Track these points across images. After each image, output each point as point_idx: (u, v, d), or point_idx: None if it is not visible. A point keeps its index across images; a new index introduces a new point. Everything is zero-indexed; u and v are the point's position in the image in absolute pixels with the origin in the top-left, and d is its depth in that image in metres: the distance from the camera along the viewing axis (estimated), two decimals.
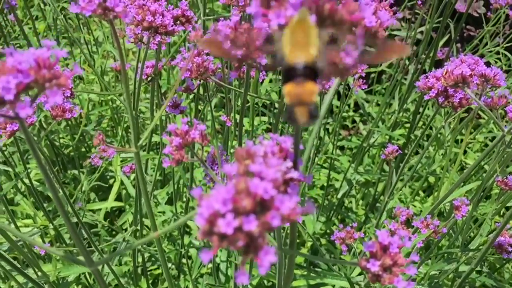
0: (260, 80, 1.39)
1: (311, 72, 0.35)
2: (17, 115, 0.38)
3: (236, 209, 0.29)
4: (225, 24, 0.53)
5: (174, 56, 1.69)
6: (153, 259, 1.84)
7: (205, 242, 1.70)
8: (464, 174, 0.81)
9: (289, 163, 0.40)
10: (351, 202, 2.13)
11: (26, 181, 1.79)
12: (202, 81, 0.89)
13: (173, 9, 0.82)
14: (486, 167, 1.70)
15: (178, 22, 0.83)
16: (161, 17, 0.78)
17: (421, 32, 2.31)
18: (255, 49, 0.53)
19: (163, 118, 1.65)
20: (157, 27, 0.78)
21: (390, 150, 1.15)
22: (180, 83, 1.01)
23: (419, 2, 1.75)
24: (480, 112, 2.00)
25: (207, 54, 0.84)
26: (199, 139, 0.57)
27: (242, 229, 0.29)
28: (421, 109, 1.93)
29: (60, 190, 1.24)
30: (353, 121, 2.63)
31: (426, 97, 0.84)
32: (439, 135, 1.71)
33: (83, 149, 2.32)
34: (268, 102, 2.19)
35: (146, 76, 1.06)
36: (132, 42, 0.81)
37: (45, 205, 1.91)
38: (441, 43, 2.12)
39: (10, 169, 1.76)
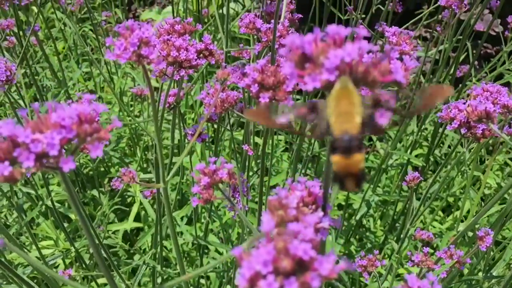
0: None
1: (358, 143, 0.36)
2: (60, 169, 0.39)
3: (276, 269, 0.30)
4: (252, 68, 0.54)
5: (195, 82, 1.71)
6: (170, 277, 1.85)
7: (223, 264, 1.70)
8: (487, 206, 0.81)
9: (321, 213, 0.41)
10: (369, 221, 2.12)
11: (47, 202, 1.82)
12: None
13: (196, 43, 0.84)
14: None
15: (201, 55, 0.85)
16: (185, 52, 0.80)
17: (439, 51, 2.31)
18: (282, 91, 0.54)
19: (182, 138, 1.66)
20: (181, 61, 0.80)
21: (411, 177, 1.15)
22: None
23: (438, 29, 1.76)
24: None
25: (233, 89, 0.85)
26: (227, 178, 0.58)
27: None
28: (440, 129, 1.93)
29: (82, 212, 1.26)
30: (370, 139, 2.62)
31: (449, 128, 0.84)
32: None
33: (102, 169, 2.34)
34: None
35: (168, 104, 1.08)
36: (157, 76, 0.83)
37: (65, 225, 1.93)
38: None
39: (32, 191, 1.80)
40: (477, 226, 1.69)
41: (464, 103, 0.85)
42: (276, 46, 0.80)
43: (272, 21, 0.80)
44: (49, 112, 0.41)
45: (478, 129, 0.81)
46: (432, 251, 1.84)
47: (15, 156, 0.40)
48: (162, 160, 0.68)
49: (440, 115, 0.86)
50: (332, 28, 0.33)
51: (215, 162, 0.59)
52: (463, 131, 0.83)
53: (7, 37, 1.52)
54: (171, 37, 0.81)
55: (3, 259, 1.44)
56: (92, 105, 0.42)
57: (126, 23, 0.52)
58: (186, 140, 1.23)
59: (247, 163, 1.46)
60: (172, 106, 1.10)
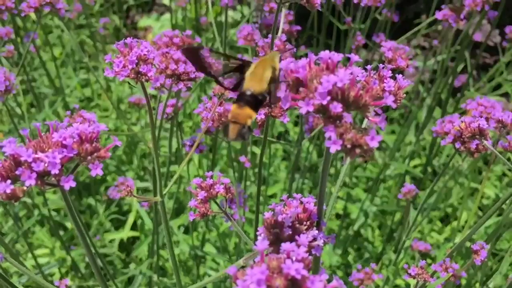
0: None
1: (254, 100, 0.42)
2: (61, 188, 0.40)
3: None
4: None
5: (194, 91, 1.71)
6: (167, 287, 1.84)
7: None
8: (483, 219, 0.81)
9: (315, 231, 0.41)
10: (367, 230, 2.12)
11: (44, 210, 1.81)
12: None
13: None
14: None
15: None
16: (183, 64, 0.80)
17: (437, 61, 2.33)
18: (278, 108, 0.55)
19: (179, 146, 1.66)
20: (179, 74, 0.80)
21: (407, 189, 1.15)
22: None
23: (435, 42, 1.77)
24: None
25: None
26: (224, 192, 0.58)
27: None
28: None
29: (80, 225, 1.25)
30: None
31: (443, 143, 0.85)
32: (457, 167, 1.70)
33: (98, 176, 2.34)
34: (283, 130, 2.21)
35: (166, 115, 1.08)
36: (156, 89, 0.83)
37: (61, 233, 1.93)
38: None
39: (28, 199, 1.79)
40: (474, 236, 1.70)
41: (460, 117, 0.85)
42: None
43: (270, 35, 0.81)
44: (51, 131, 0.42)
45: (472, 143, 0.82)
46: (430, 261, 1.84)
47: (17, 175, 0.40)
48: (160, 173, 0.69)
49: (435, 129, 0.87)
50: (325, 53, 0.34)
51: (212, 177, 0.60)
52: (457, 145, 0.83)
53: (6, 46, 1.53)
54: (169, 50, 0.82)
55: None
56: (93, 124, 0.42)
57: (125, 40, 0.52)
58: (184, 150, 1.24)
59: (244, 173, 1.46)
60: (170, 116, 1.10)
